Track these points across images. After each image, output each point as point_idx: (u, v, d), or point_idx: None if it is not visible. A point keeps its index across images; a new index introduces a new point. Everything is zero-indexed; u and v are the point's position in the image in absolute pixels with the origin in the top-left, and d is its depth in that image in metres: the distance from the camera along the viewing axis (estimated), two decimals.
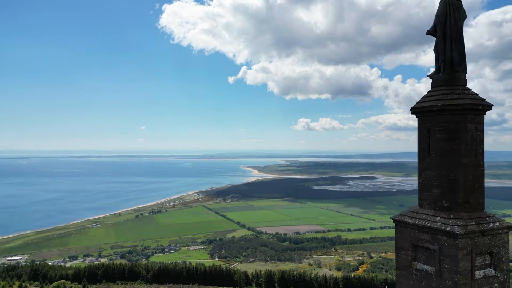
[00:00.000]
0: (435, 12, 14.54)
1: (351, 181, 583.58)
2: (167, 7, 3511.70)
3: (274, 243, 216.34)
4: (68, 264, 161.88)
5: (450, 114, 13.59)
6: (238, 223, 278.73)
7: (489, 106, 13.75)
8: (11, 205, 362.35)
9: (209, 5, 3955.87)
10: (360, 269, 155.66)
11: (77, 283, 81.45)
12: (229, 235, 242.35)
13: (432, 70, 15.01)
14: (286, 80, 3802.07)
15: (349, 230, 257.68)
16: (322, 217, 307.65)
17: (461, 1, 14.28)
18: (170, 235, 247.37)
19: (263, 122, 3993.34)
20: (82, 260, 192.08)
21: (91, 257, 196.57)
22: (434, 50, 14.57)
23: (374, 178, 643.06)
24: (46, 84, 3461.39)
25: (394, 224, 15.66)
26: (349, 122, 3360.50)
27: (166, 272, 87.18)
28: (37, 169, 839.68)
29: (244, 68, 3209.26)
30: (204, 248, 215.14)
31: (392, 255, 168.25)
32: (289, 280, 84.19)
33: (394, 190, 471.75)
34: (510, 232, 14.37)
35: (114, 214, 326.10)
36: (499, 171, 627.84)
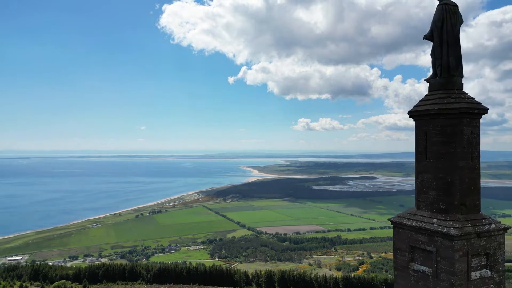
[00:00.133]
0: (433, 17, 14.77)
1: (351, 181, 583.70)
2: (167, 7, 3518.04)
3: (274, 243, 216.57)
4: (68, 264, 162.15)
5: (446, 118, 13.84)
6: (238, 223, 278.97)
7: (484, 110, 14.01)
8: (11, 205, 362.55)
9: (209, 5, 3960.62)
10: (360, 269, 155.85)
11: (77, 283, 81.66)
12: (229, 235, 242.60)
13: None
14: (286, 80, 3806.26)
15: (349, 230, 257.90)
16: (322, 217, 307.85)
17: (457, 7, 14.51)
18: (170, 235, 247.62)
19: (263, 122, 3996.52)
20: (82, 260, 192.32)
21: (91, 257, 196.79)
22: (431, 55, 14.81)
23: (374, 178, 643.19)
24: (46, 84, 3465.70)
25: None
26: (349, 122, 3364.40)
27: (167, 272, 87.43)
28: (37, 169, 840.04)
29: (244, 68, 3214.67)
30: (204, 248, 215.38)
31: (392, 255, 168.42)
32: (289, 280, 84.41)
33: (394, 190, 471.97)
34: (507, 232, 14.61)
35: (114, 214, 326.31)
36: (499, 171, 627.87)
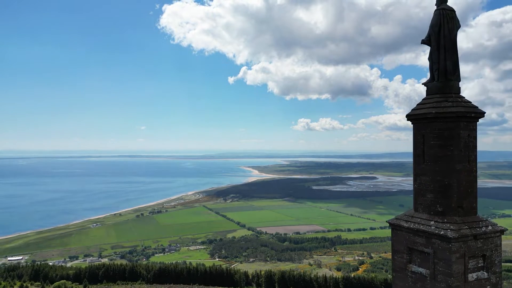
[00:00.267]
0: (430, 21, 14.95)
1: (351, 181, 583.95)
2: (167, 8, 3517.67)
3: (274, 243, 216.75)
4: (68, 264, 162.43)
5: (443, 122, 14.02)
6: (238, 223, 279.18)
7: (481, 114, 14.19)
8: (12, 205, 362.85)
9: (209, 5, 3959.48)
10: (360, 269, 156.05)
11: (78, 283, 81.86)
12: (229, 235, 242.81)
13: None
14: (286, 80, 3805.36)
15: (349, 230, 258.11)
16: (322, 217, 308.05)
17: (454, 12, 14.69)
18: (170, 235, 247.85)
19: (263, 122, 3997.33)
20: (82, 260, 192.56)
21: (91, 257, 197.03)
22: (429, 59, 14.99)
23: (374, 178, 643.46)
24: (46, 84, 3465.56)
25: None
26: (349, 122, 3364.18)
27: (167, 272, 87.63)
28: (37, 169, 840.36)
29: (244, 68, 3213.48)
30: (204, 248, 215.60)
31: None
32: (289, 280, 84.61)
33: (394, 190, 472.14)
34: (503, 234, 14.78)
35: (115, 214, 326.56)
36: (499, 171, 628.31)
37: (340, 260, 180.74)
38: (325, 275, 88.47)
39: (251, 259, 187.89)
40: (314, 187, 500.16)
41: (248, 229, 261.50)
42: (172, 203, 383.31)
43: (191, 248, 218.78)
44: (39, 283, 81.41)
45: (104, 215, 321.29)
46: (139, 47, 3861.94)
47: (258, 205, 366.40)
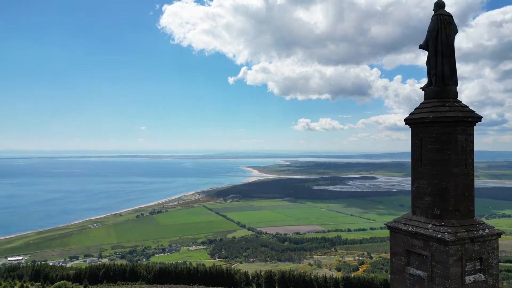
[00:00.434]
0: (428, 27, 15.12)
1: (351, 181, 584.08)
2: (167, 8, 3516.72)
3: (274, 243, 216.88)
4: (68, 265, 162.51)
5: (441, 126, 14.20)
6: (238, 223, 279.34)
7: (478, 118, 14.39)
8: (12, 205, 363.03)
9: (209, 5, 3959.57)
10: (360, 269, 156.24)
11: (78, 284, 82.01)
12: (230, 235, 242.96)
13: None
14: (286, 81, 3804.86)
15: (349, 230, 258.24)
16: (322, 217, 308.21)
17: (452, 17, 14.88)
18: (170, 235, 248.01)
19: (263, 122, 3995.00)
20: (82, 260, 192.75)
21: (91, 258, 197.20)
22: (426, 64, 15.18)
23: (374, 178, 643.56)
24: (46, 85, 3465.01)
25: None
26: (349, 122, 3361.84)
27: (167, 272, 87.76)
28: (37, 169, 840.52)
29: (244, 68, 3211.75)
30: (204, 248, 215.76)
31: None
32: (289, 280, 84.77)
33: (394, 190, 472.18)
34: (500, 237, 14.95)
35: (115, 214, 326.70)
36: (499, 171, 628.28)
37: (340, 260, 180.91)
38: (325, 275, 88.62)
39: (251, 259, 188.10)
40: (314, 187, 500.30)
41: (248, 229, 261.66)
42: (172, 203, 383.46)
43: (191, 248, 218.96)
44: (40, 283, 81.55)
45: (104, 215, 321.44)
46: (139, 47, 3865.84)
47: (258, 205, 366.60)
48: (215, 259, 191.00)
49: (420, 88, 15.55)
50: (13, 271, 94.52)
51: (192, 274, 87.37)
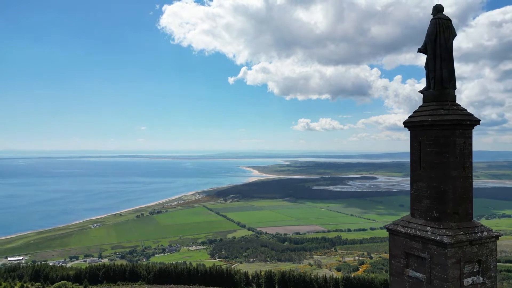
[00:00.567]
0: (427, 30, 15.22)
1: (351, 181, 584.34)
2: (167, 8, 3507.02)
3: (274, 244, 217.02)
4: (69, 265, 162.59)
5: (439, 129, 14.31)
6: (238, 224, 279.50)
7: (477, 121, 14.48)
8: (12, 205, 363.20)
9: (209, 5, 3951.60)
10: (360, 269, 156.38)
11: (78, 284, 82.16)
12: (230, 236, 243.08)
13: None
14: (286, 81, 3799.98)
15: (349, 230, 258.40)
16: (322, 217, 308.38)
17: (451, 21, 14.97)
18: (170, 235, 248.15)
19: (263, 123, 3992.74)
20: (82, 260, 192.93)
21: (91, 258, 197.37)
22: (425, 67, 15.30)
23: (374, 178, 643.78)
24: (47, 85, 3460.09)
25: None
26: (349, 122, 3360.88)
27: (167, 272, 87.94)
28: (37, 169, 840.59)
29: (244, 68, 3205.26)
30: (204, 249, 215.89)
31: None
32: (289, 280, 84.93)
33: (394, 190, 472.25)
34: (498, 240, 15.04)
35: (115, 214, 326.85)
36: (499, 171, 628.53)
37: (340, 261, 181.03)
38: (325, 276, 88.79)
39: (251, 260, 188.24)
40: (314, 187, 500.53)
41: (248, 229, 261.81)
42: (172, 203, 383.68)
43: (191, 248, 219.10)
44: (40, 283, 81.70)
45: (104, 215, 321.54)
46: (139, 48, 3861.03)
47: (258, 205, 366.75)
48: (215, 259, 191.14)
49: (419, 91, 15.66)
50: (13, 271, 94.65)
51: (192, 274, 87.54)
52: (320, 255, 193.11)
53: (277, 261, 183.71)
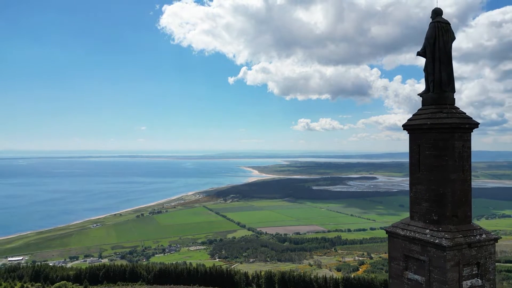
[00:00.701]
0: (425, 34, 15.27)
1: (351, 181, 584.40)
2: (167, 8, 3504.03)
3: (274, 244, 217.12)
4: (69, 265, 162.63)
5: (438, 132, 14.36)
6: (238, 224, 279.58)
7: (475, 125, 14.54)
8: (12, 205, 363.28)
9: (209, 5, 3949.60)
10: (360, 269, 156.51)
11: (78, 284, 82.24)
12: (230, 236, 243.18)
13: None
14: (286, 81, 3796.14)
15: (349, 230, 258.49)
16: (322, 218, 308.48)
17: (449, 24, 15.03)
18: (170, 235, 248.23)
19: (263, 123, 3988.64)
20: (82, 260, 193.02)
21: (91, 258, 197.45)
22: (424, 70, 15.35)
23: (374, 178, 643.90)
24: (47, 85, 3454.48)
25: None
26: (349, 122, 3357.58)
27: (167, 273, 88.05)
28: (37, 169, 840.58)
29: (244, 68, 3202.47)
30: (204, 249, 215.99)
31: None
32: (289, 281, 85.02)
33: (394, 190, 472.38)
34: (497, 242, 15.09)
35: (115, 214, 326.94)
36: (499, 171, 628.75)
37: (340, 261, 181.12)
38: (325, 276, 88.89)
39: (251, 260, 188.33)
40: (314, 187, 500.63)
41: (248, 229, 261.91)
42: (172, 203, 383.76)
43: (191, 248, 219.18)
44: (40, 283, 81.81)
45: (104, 216, 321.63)
46: (139, 48, 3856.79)
47: (258, 205, 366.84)
48: (215, 259, 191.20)
49: (418, 95, 15.71)
50: (13, 272, 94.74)
51: (192, 274, 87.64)
52: (320, 255, 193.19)
53: (277, 261, 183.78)
